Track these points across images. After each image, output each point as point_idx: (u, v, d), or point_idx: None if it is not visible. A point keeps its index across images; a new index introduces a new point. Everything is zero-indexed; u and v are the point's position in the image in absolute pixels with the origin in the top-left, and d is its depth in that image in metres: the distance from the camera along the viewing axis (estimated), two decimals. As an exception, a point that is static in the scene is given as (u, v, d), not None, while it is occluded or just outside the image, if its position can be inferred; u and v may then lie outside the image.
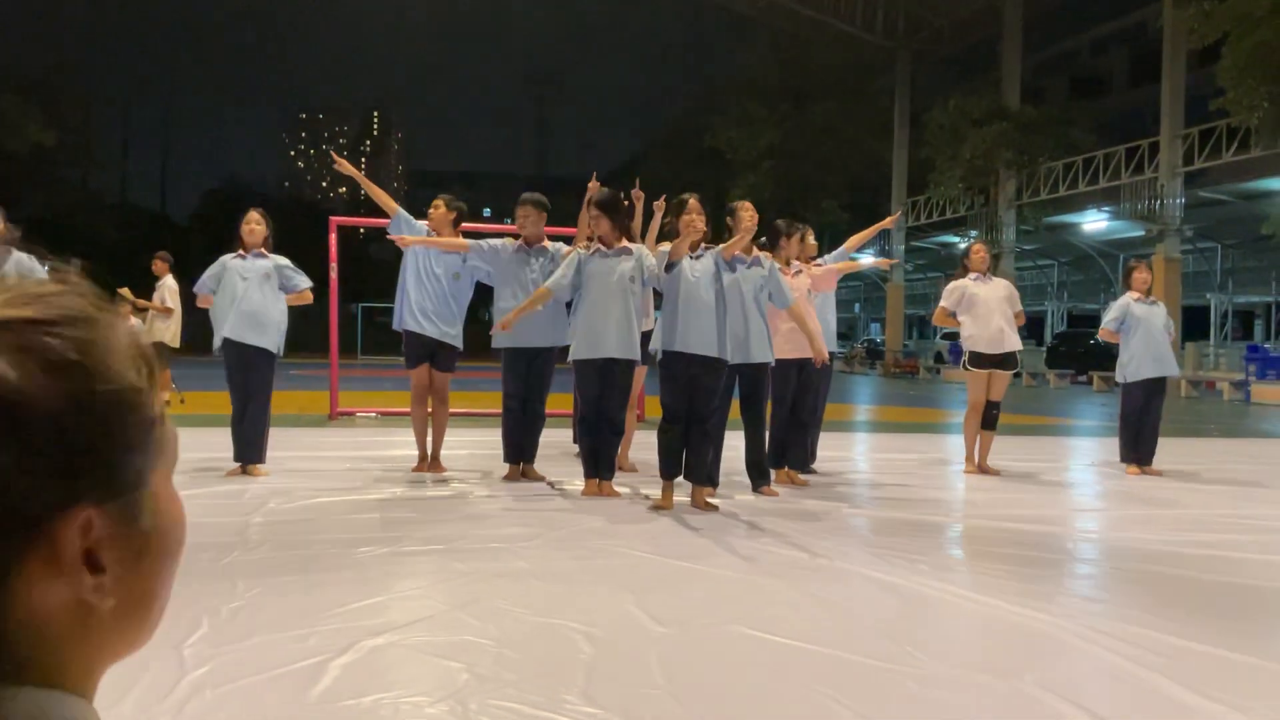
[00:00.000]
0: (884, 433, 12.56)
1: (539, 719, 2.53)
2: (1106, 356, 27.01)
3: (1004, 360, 7.95)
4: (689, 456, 5.86)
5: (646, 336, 7.12)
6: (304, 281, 6.84)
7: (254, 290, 6.56)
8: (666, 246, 5.87)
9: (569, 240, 7.29)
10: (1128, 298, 8.32)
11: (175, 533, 0.61)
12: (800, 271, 7.19)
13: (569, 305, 6.47)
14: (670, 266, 5.83)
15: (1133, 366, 8.19)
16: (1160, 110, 26.56)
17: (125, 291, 11.58)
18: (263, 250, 6.70)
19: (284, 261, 6.77)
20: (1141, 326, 8.13)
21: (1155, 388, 8.20)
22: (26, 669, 0.53)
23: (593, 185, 6.68)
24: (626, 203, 6.47)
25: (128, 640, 0.59)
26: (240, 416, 6.58)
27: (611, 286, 6.07)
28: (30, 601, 0.53)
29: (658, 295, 6.78)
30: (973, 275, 8.02)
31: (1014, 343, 7.99)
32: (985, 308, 7.89)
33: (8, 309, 0.54)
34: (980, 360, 7.94)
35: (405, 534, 4.86)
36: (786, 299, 6.34)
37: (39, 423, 0.51)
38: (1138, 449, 8.18)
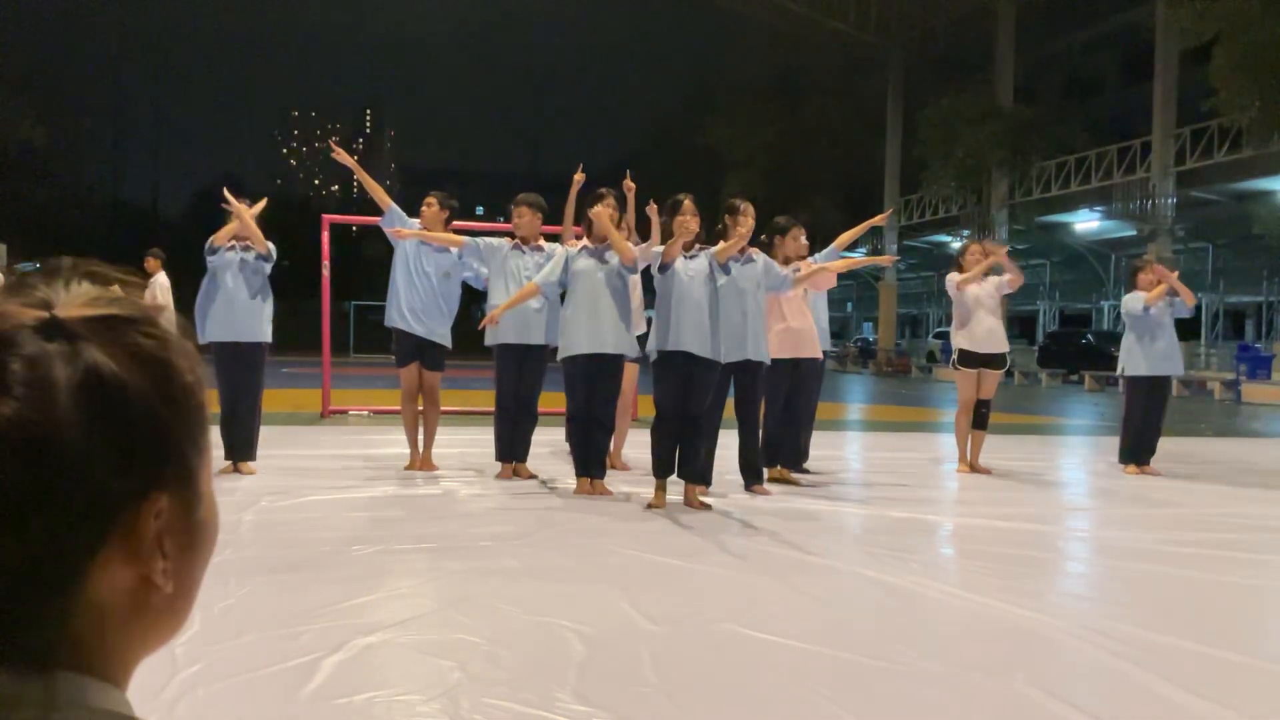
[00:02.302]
0: (876, 432, 12.57)
1: (531, 717, 2.53)
2: (1098, 356, 27.08)
3: (993, 359, 7.96)
4: (682, 455, 5.86)
5: (642, 339, 7.12)
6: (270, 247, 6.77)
7: (242, 286, 6.57)
8: (660, 246, 5.87)
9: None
10: (1139, 298, 8.17)
11: (215, 527, 0.65)
12: (797, 270, 7.18)
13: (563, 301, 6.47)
14: (664, 267, 5.83)
15: (1131, 362, 8.14)
16: (1152, 110, 26.63)
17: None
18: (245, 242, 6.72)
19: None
20: (1148, 325, 8.06)
21: (1157, 386, 8.18)
22: (76, 654, 0.56)
23: (578, 177, 6.78)
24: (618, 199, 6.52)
25: (168, 629, 0.62)
26: (230, 413, 6.58)
27: (600, 283, 6.07)
28: (100, 583, 0.56)
29: (650, 295, 6.79)
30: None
31: (1003, 343, 8.00)
32: (978, 307, 7.90)
33: (94, 308, 0.57)
34: (969, 359, 7.96)
35: (397, 532, 4.86)
36: (786, 282, 6.38)
37: (135, 409, 0.55)
38: (1138, 449, 8.16)
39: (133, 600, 0.57)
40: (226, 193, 6.77)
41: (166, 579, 0.58)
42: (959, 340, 8.01)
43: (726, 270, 6.03)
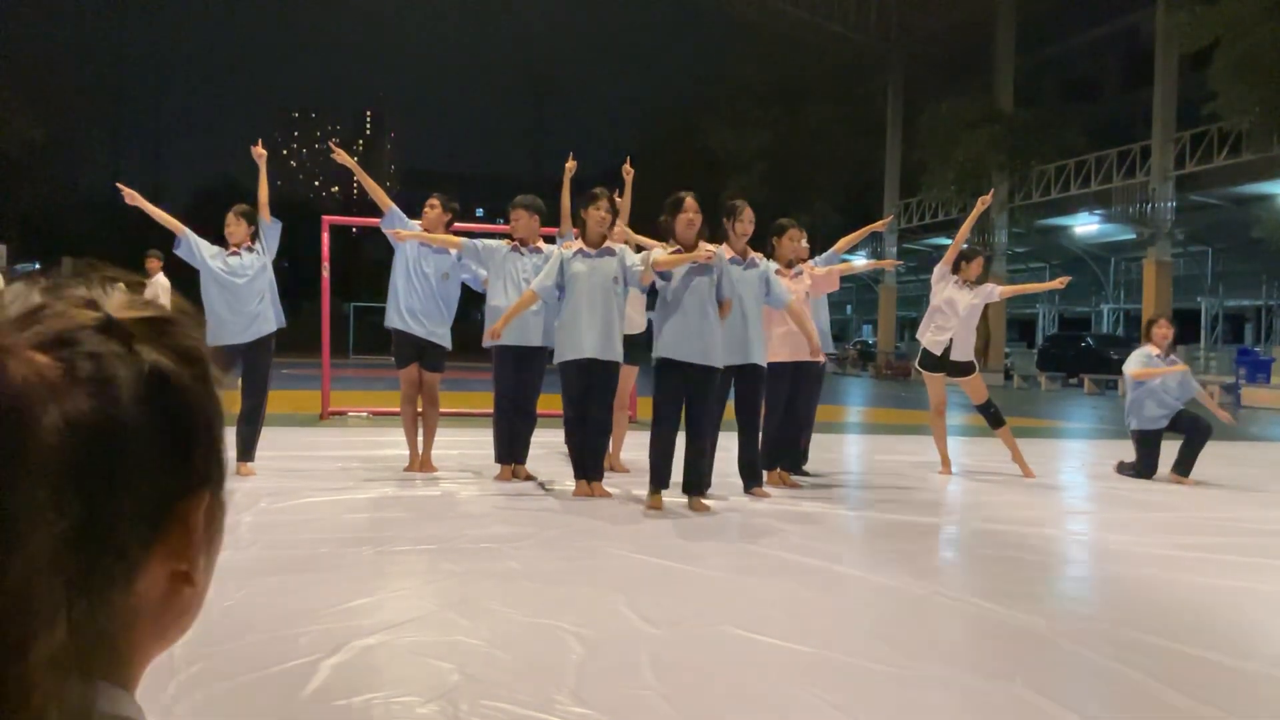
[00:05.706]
0: (876, 434, 12.58)
1: (530, 719, 2.54)
2: (1098, 359, 27.10)
3: (957, 367, 7.96)
4: (686, 463, 5.85)
5: (641, 338, 7.13)
6: (274, 244, 6.85)
7: (251, 291, 6.59)
8: (660, 249, 5.86)
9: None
10: (1149, 351, 8.04)
11: (223, 528, 0.65)
12: (800, 273, 7.18)
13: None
14: (668, 275, 5.81)
15: (1138, 416, 8.06)
16: (1152, 114, 26.66)
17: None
18: (249, 244, 6.73)
19: (269, 246, 6.80)
20: (1158, 382, 7.97)
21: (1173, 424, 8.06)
22: (106, 658, 0.55)
23: (570, 165, 7.01)
24: (618, 192, 6.62)
25: (179, 630, 0.61)
26: (247, 415, 6.60)
27: (595, 288, 6.06)
28: (144, 582, 0.55)
29: (651, 296, 6.80)
30: (956, 280, 7.99)
31: (963, 353, 7.97)
32: (954, 315, 7.89)
33: (140, 309, 0.57)
34: (931, 363, 7.99)
35: (396, 534, 4.86)
36: (784, 298, 6.36)
37: (192, 408, 0.56)
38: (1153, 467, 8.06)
39: (162, 599, 0.57)
40: (255, 150, 7.01)
41: (202, 575, 0.59)
42: (927, 343, 8.02)
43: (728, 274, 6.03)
